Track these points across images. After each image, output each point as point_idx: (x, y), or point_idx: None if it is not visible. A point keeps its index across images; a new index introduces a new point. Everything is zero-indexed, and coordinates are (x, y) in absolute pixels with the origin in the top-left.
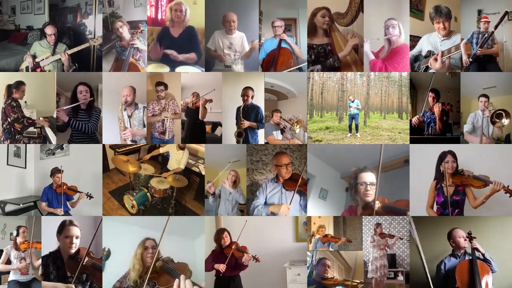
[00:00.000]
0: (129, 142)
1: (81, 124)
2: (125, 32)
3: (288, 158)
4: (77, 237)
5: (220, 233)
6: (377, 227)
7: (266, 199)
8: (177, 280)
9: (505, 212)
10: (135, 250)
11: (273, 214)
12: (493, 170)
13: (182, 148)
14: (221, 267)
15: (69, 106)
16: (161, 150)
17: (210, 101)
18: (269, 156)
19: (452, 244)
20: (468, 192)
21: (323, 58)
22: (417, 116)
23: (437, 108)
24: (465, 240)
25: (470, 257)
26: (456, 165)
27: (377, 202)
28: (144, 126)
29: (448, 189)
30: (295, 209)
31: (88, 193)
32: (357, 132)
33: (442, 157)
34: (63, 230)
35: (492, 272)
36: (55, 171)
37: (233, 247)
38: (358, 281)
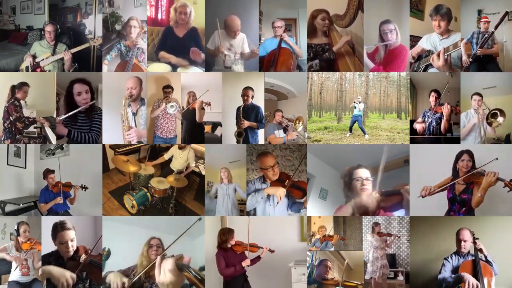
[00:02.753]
0: (134, 143)
1: (82, 135)
2: (135, 32)
3: (273, 159)
4: (72, 240)
5: (229, 233)
6: (375, 226)
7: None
8: (159, 257)
9: (505, 212)
10: (141, 248)
11: (268, 196)
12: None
13: (182, 148)
14: (247, 262)
15: (67, 115)
16: (166, 156)
17: (208, 104)
18: None
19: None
20: (474, 190)
21: (321, 56)
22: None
23: (446, 110)
24: (466, 241)
25: (473, 258)
26: (472, 164)
27: (374, 192)
28: None
29: (458, 186)
30: (282, 210)
31: (82, 184)
32: (365, 134)
33: (458, 156)
34: (56, 236)
35: (495, 274)
36: (47, 172)
37: (245, 243)
38: (358, 282)
